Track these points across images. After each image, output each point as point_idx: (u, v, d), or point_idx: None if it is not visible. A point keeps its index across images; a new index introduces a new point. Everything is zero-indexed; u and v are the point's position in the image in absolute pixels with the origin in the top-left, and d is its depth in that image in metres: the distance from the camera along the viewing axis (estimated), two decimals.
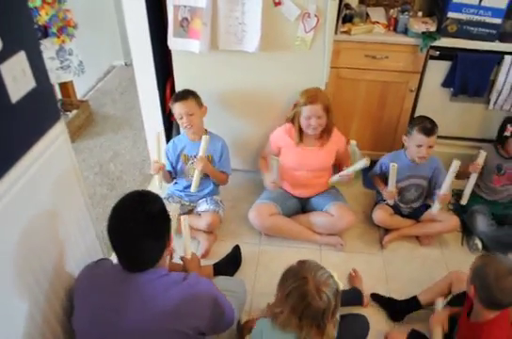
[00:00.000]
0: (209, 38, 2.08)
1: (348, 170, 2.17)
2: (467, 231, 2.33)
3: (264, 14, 2.03)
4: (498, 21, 2.26)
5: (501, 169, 2.27)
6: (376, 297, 1.97)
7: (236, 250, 2.14)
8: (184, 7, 2.05)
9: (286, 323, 1.26)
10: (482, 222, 2.20)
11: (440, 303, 1.72)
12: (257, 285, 2.00)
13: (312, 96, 2.06)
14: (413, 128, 2.11)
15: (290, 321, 1.25)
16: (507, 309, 1.46)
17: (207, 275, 1.89)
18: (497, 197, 2.32)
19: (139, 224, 1.21)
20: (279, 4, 2.07)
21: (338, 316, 1.33)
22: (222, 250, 2.15)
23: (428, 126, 2.08)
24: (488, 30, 2.28)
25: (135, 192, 1.32)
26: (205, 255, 2.14)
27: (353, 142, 2.42)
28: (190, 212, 2.29)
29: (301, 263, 1.32)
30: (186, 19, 2.05)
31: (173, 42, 2.12)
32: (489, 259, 1.46)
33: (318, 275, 1.25)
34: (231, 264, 2.08)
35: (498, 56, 2.27)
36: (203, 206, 2.24)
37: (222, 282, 1.67)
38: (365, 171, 2.42)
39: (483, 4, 2.23)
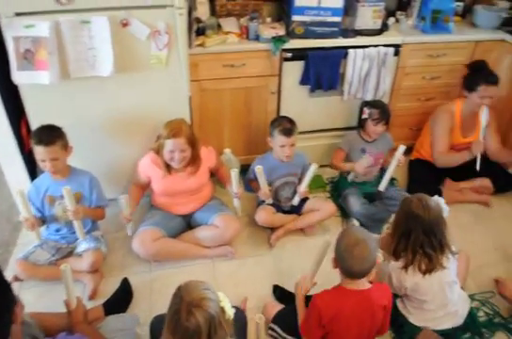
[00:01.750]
0: (58, 67, 1.99)
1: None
2: (344, 214, 2.52)
3: (113, 37, 2.01)
4: (338, 19, 2.46)
5: (365, 151, 2.49)
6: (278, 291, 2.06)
7: (125, 283, 2.06)
8: (25, 38, 1.95)
9: None
10: (355, 203, 2.40)
11: None
12: (154, 314, 1.87)
13: (174, 129, 2.03)
14: (274, 130, 2.23)
15: None
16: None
17: (97, 318, 1.81)
18: (364, 178, 2.53)
19: None
20: (126, 25, 2.07)
21: None
22: (111, 287, 2.05)
23: (287, 126, 2.20)
24: (330, 28, 2.47)
25: None
26: (93, 296, 2.02)
27: (227, 150, 2.49)
28: (70, 254, 2.15)
29: (185, 283, 1.33)
30: (30, 50, 1.96)
31: (18, 76, 1.99)
32: (344, 232, 1.61)
33: (193, 296, 1.24)
34: (121, 299, 1.99)
35: (343, 51, 2.47)
36: (83, 246, 2.10)
37: (112, 322, 1.64)
38: (244, 176, 2.51)
39: (322, 5, 2.41)
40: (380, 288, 1.64)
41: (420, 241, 1.71)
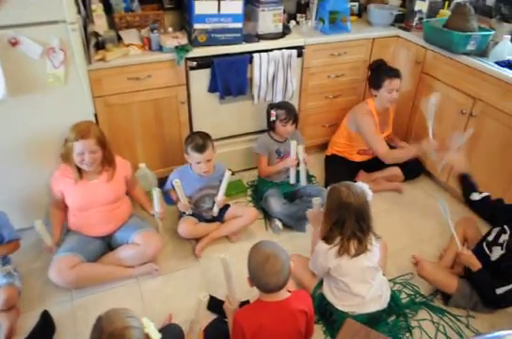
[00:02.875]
0: None
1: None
2: (267, 216, 2.56)
3: (2, 57, 1.90)
4: (239, 25, 2.50)
5: (280, 152, 2.55)
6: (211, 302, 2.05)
7: (45, 316, 1.95)
8: None
9: None
10: (276, 204, 2.45)
11: None
12: None
13: (82, 130, 1.97)
14: (187, 147, 2.22)
15: None
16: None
17: None
18: (282, 178, 2.59)
19: None
20: (16, 44, 1.97)
21: None
22: (31, 322, 1.92)
23: (200, 143, 2.19)
24: (233, 35, 2.51)
25: None
26: (10, 336, 1.88)
27: (142, 165, 2.44)
28: None
29: (106, 312, 1.27)
30: None
31: None
32: (252, 249, 1.60)
33: (115, 326, 1.20)
34: (42, 334, 1.88)
35: (248, 56, 2.52)
36: None
37: None
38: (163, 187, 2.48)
39: (222, 12, 2.44)
40: (299, 295, 1.67)
41: (352, 227, 1.79)
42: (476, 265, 1.97)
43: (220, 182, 2.32)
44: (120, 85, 2.32)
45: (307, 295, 1.73)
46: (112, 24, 2.50)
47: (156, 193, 2.11)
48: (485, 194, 2.11)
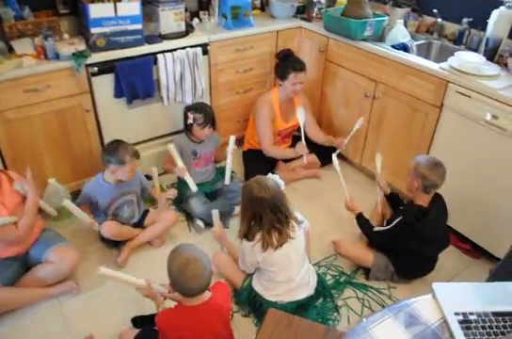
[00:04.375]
0: None
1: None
2: (189, 217, 2.56)
3: None
4: (138, 26, 2.46)
5: (196, 153, 2.55)
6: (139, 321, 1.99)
7: None
8: None
9: None
10: (197, 204, 2.46)
11: None
12: None
13: None
14: (111, 160, 2.14)
15: None
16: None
17: None
18: (202, 178, 2.60)
19: None
20: None
21: None
22: None
23: (121, 154, 2.12)
24: (133, 37, 2.46)
25: None
26: None
27: (51, 181, 2.33)
28: None
29: None
30: None
31: None
32: (171, 254, 1.58)
33: None
34: None
35: (152, 58, 2.48)
36: None
37: None
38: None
39: (119, 14, 2.38)
40: (219, 290, 1.67)
41: (270, 220, 1.83)
42: (356, 209, 2.31)
43: (141, 184, 2.38)
44: (16, 98, 2.20)
45: (223, 284, 1.75)
46: (2, 34, 2.36)
47: (69, 204, 2.06)
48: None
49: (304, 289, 2.00)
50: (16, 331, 1.95)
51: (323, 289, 2.09)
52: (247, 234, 1.90)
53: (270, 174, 1.98)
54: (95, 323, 1.98)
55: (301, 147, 2.67)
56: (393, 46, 2.62)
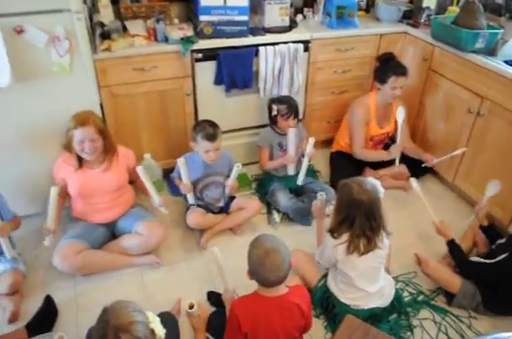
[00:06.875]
0: None
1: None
2: (270, 211, 2.54)
3: (7, 45, 1.89)
4: (245, 18, 2.48)
5: (282, 145, 2.53)
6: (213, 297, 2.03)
7: (48, 301, 1.96)
8: None
9: None
10: (283, 198, 2.45)
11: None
12: (81, 333, 1.80)
13: (81, 118, 1.98)
14: (197, 135, 2.20)
15: None
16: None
17: None
18: (285, 172, 2.56)
19: None
20: (21, 32, 1.95)
21: None
22: (33, 307, 1.94)
23: (210, 132, 2.18)
24: (239, 27, 2.48)
25: None
26: (14, 319, 1.91)
27: (147, 156, 2.43)
28: None
29: (112, 304, 1.25)
30: None
31: None
32: (253, 243, 1.59)
33: (121, 320, 1.18)
34: (45, 318, 1.89)
35: (254, 49, 2.49)
36: None
37: None
38: (169, 180, 2.46)
39: (228, 4, 2.41)
40: (297, 291, 1.65)
41: (361, 225, 1.77)
42: (449, 235, 2.14)
43: (228, 170, 2.33)
44: (125, 75, 2.30)
45: (304, 290, 1.71)
46: (118, 15, 2.47)
47: (150, 185, 2.10)
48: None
49: (380, 298, 1.92)
50: (100, 290, 2.07)
51: (399, 305, 1.99)
52: (333, 231, 1.84)
53: (372, 178, 1.90)
54: (172, 296, 2.03)
55: (396, 149, 2.56)
56: (506, 62, 2.45)
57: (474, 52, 2.50)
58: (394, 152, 2.58)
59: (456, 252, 2.10)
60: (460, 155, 2.59)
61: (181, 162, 2.13)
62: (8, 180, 2.19)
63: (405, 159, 2.76)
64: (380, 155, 2.72)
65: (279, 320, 1.57)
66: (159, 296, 2.06)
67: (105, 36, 2.31)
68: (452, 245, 2.12)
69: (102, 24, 2.32)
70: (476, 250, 2.26)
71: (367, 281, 1.87)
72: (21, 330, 1.80)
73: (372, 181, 1.85)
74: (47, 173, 2.20)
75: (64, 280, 2.11)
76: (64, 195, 2.16)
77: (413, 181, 2.31)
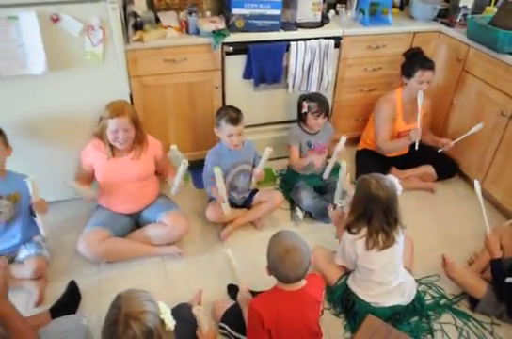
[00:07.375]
0: None
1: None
2: (292, 207, 2.53)
3: (43, 33, 1.92)
4: (277, 12, 2.46)
5: (310, 144, 2.51)
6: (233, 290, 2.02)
7: (72, 285, 2.00)
8: None
9: None
10: (306, 196, 2.43)
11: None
12: (103, 318, 1.80)
13: (117, 108, 2.00)
14: (220, 120, 2.21)
15: None
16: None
17: (42, 323, 1.71)
18: (312, 170, 2.54)
19: None
20: (57, 20, 1.98)
21: None
22: (57, 292, 1.98)
23: (234, 115, 2.19)
24: (270, 21, 2.47)
25: None
26: (40, 303, 1.95)
27: (173, 147, 2.44)
28: (11, 261, 2.01)
29: (125, 292, 1.27)
30: None
31: None
32: (273, 240, 1.58)
33: (133, 308, 1.19)
34: (69, 302, 1.93)
35: (285, 44, 2.48)
36: (23, 253, 2.01)
37: (58, 324, 1.59)
38: (194, 172, 2.46)
39: None
40: (313, 281, 1.64)
41: (379, 220, 1.76)
42: (497, 253, 1.96)
43: (254, 158, 2.34)
44: (156, 66, 2.32)
45: (320, 279, 1.72)
46: (151, 6, 2.50)
47: (183, 167, 2.08)
48: None
49: (400, 295, 1.90)
50: (123, 278, 2.10)
51: (420, 307, 1.96)
52: (351, 227, 1.83)
53: (390, 175, 1.89)
54: (191, 287, 2.04)
55: (415, 132, 2.51)
56: None
57: (511, 53, 2.43)
58: (414, 135, 2.52)
59: (498, 273, 1.94)
60: (492, 155, 2.53)
61: (216, 170, 2.08)
62: (38, 165, 2.23)
63: (431, 160, 2.72)
64: (402, 142, 2.66)
65: (300, 314, 1.57)
66: (180, 286, 2.08)
67: (138, 26, 2.33)
68: (496, 265, 1.96)
69: (135, 15, 2.34)
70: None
71: (388, 274, 1.86)
72: (45, 312, 1.84)
73: (390, 177, 1.84)
74: (73, 161, 2.24)
75: (88, 267, 2.15)
76: (87, 180, 2.19)
77: (476, 183, 2.09)
